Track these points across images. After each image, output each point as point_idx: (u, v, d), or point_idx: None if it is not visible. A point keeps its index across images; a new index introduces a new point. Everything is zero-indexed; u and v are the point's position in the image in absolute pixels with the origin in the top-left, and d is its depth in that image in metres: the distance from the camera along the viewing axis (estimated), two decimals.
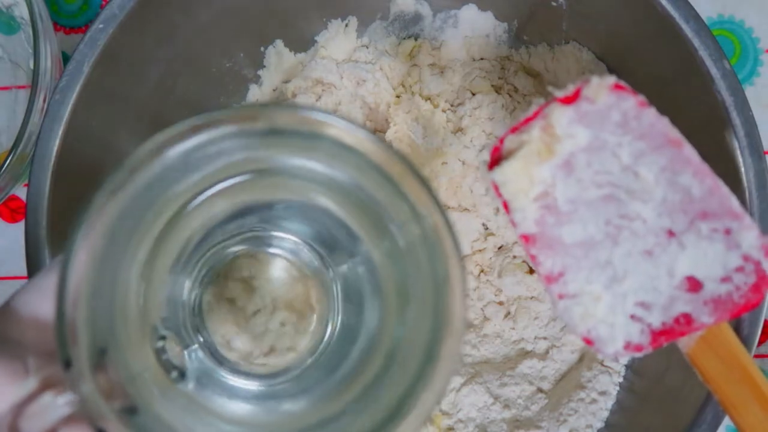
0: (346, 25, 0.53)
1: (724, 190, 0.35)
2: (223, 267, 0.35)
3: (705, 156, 0.43)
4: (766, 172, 0.41)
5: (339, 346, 0.35)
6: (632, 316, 0.35)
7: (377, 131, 0.53)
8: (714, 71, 0.41)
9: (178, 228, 0.31)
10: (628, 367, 0.48)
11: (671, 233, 0.35)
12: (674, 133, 0.35)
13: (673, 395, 0.44)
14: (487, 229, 0.50)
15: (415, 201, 0.29)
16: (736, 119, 0.41)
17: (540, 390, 0.49)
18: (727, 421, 0.42)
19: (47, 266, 0.30)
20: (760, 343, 0.51)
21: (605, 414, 0.48)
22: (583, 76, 0.37)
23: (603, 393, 0.48)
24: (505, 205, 0.36)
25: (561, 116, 0.35)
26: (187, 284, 0.34)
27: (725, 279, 0.35)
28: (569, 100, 0.35)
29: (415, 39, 0.53)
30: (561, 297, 0.36)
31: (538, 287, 0.49)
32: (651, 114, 0.35)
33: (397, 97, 0.52)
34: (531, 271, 0.50)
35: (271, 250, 0.36)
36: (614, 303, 0.35)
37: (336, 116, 0.28)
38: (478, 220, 0.50)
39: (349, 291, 0.35)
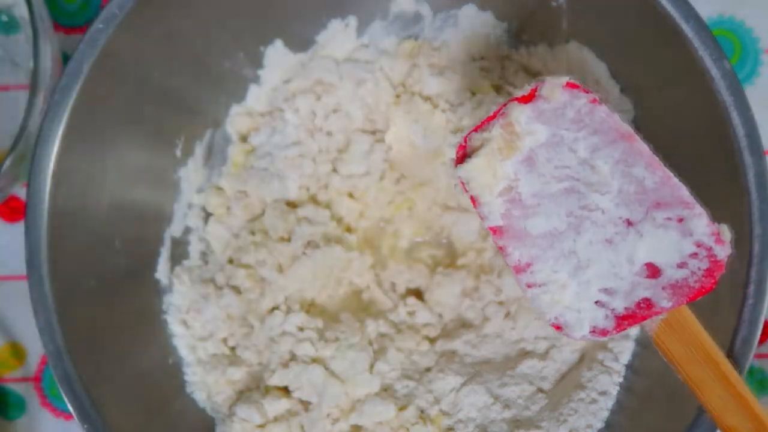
0: (346, 25, 0.53)
1: (675, 180, 0.36)
2: None
3: (705, 156, 0.43)
4: (766, 172, 0.41)
5: None
6: (597, 302, 0.37)
7: (377, 131, 0.53)
8: (714, 71, 0.41)
9: None
10: (628, 367, 0.48)
11: (629, 222, 0.37)
12: (625, 128, 0.37)
13: (673, 395, 0.44)
14: None
15: None
16: (736, 119, 0.41)
17: (540, 390, 0.49)
18: None
19: None
20: (760, 343, 0.51)
21: (605, 414, 0.48)
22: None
23: (603, 393, 0.48)
24: (473, 200, 0.38)
25: (520, 114, 0.37)
26: None
27: (682, 265, 0.36)
28: (526, 99, 0.37)
29: (415, 39, 0.53)
30: (530, 286, 0.38)
31: None
32: (602, 110, 0.37)
33: (397, 96, 0.52)
34: None
35: None
36: (579, 290, 0.37)
37: None
38: (478, 220, 0.50)
39: None
